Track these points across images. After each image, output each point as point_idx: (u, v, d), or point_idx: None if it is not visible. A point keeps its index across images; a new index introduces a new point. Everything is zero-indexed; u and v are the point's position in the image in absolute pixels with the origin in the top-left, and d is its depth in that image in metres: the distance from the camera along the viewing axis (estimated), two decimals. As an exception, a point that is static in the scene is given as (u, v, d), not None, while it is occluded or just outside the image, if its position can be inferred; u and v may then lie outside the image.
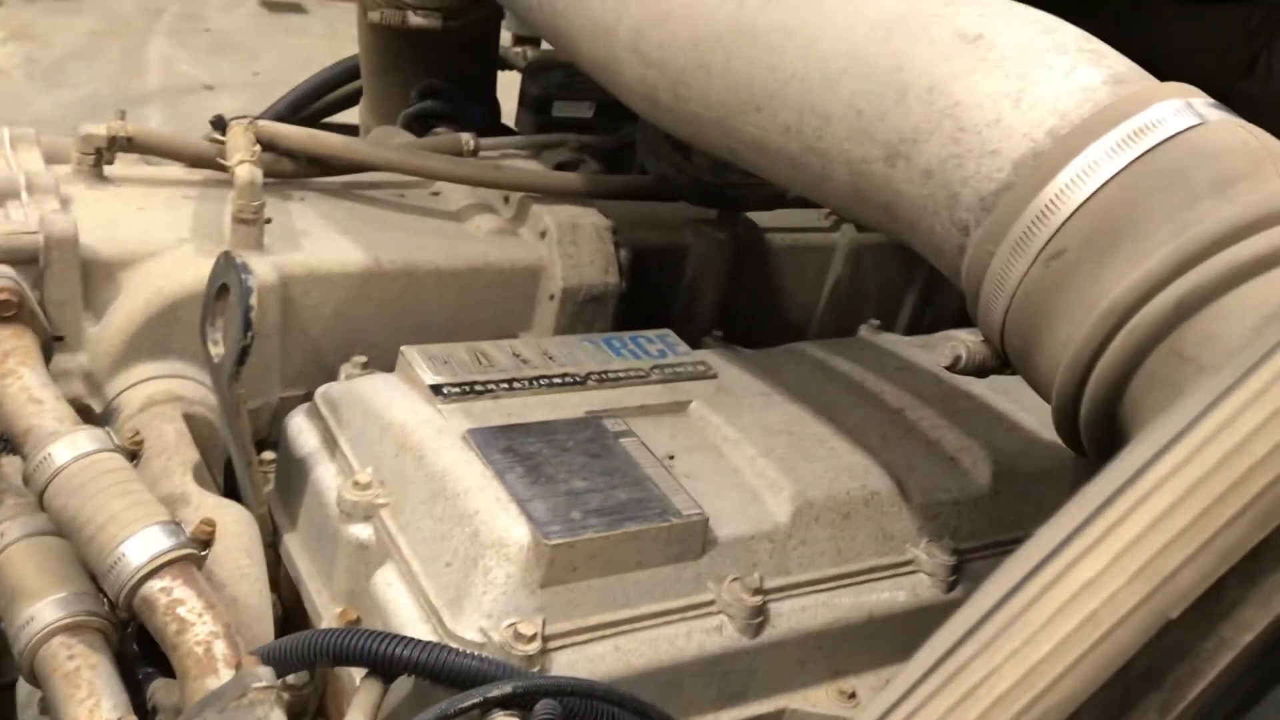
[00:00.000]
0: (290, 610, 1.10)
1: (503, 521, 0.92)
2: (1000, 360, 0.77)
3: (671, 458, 1.07)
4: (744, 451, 1.09)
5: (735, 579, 0.99)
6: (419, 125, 1.57)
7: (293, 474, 1.11)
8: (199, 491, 0.99)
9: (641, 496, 0.98)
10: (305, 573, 1.07)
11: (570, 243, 1.30)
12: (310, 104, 1.85)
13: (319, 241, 1.20)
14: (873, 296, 1.59)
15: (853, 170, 0.82)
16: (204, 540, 0.89)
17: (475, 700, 0.72)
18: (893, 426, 1.21)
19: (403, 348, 1.12)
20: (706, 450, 1.10)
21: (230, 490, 1.10)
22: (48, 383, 0.93)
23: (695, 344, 1.32)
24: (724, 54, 0.93)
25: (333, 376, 1.18)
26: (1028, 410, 1.26)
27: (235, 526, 0.98)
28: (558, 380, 1.14)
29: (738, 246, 1.46)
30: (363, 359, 1.17)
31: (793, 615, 1.01)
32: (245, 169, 1.12)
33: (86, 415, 1.07)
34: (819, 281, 1.55)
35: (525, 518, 0.92)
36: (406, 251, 1.23)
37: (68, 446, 0.87)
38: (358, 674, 0.92)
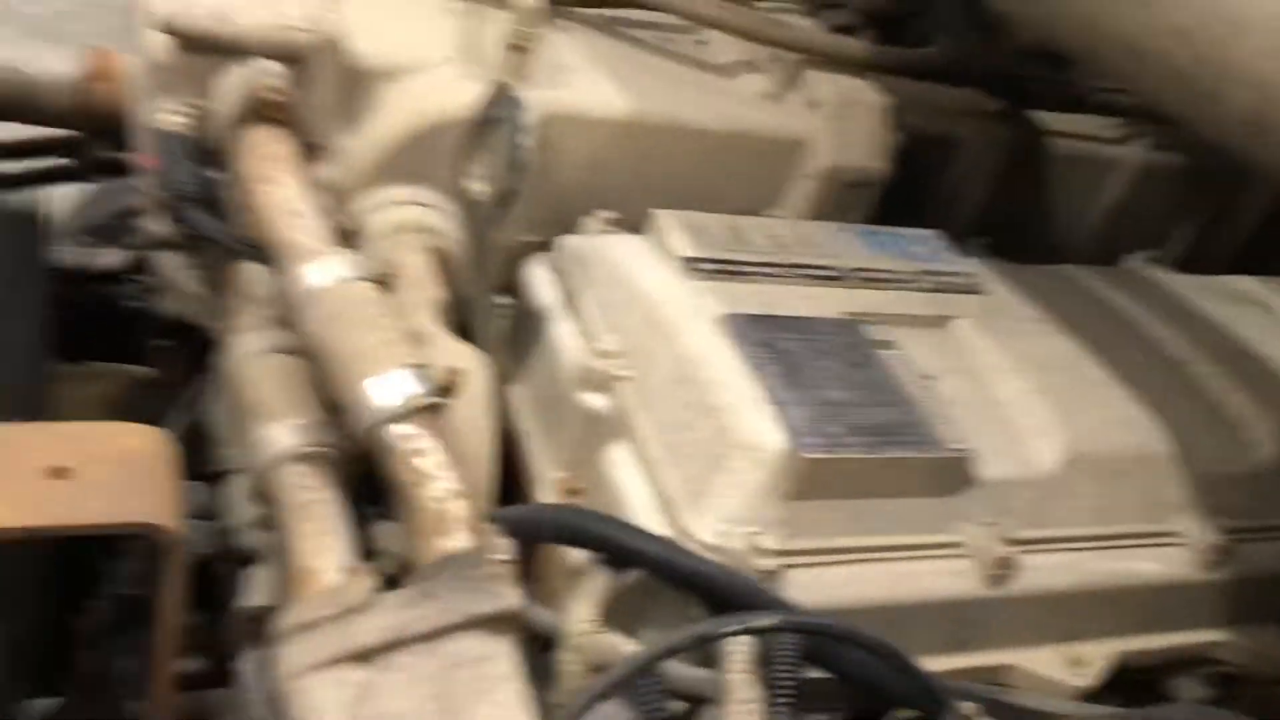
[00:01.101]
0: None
1: (756, 423, 0.85)
2: None
3: (932, 378, 0.98)
4: (1013, 384, 0.99)
5: (988, 523, 0.91)
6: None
7: (528, 323, 1.06)
8: (441, 332, 0.94)
9: (903, 419, 0.90)
10: (528, 429, 1.03)
11: (845, 119, 1.18)
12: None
13: (583, 80, 1.12)
14: (1148, 224, 1.44)
15: (1262, 94, 0.69)
16: (448, 388, 0.84)
17: (736, 628, 0.66)
18: (1175, 380, 1.09)
19: (657, 211, 1.05)
20: (970, 376, 1.01)
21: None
22: (307, 194, 0.88)
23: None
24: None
25: (572, 227, 1.11)
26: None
27: (473, 375, 0.93)
28: (817, 272, 1.05)
29: (1016, 146, 1.32)
30: (610, 214, 1.10)
31: (1040, 572, 0.93)
32: (526, -9, 1.03)
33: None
34: (1094, 198, 1.40)
35: (781, 423, 0.85)
36: (671, 104, 1.14)
37: (324, 269, 0.83)
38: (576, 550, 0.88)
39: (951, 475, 0.90)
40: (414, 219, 1.03)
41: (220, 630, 0.94)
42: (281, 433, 0.83)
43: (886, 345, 0.98)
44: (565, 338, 1.01)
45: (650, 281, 0.98)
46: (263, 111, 0.91)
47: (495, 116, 0.93)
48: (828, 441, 0.85)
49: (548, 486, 0.98)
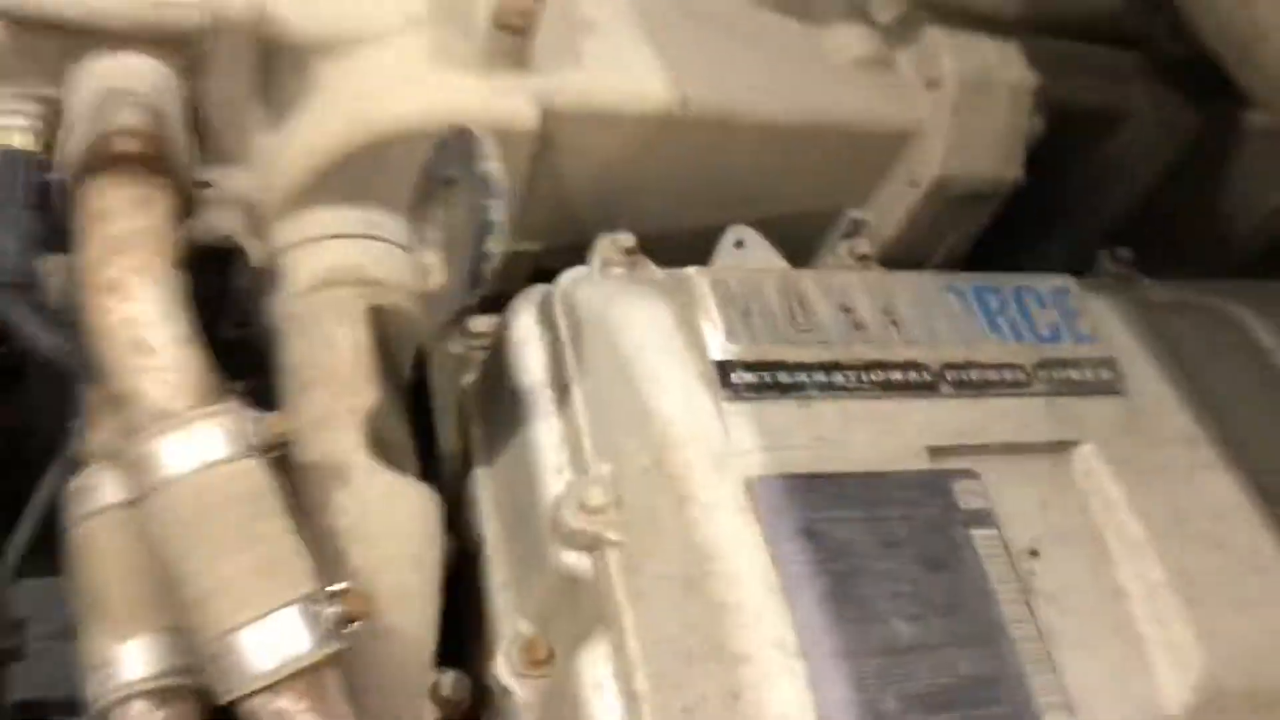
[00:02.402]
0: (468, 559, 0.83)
1: (781, 699, 0.61)
2: None
3: (1035, 554, 0.72)
4: (1146, 573, 0.73)
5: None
6: None
7: (505, 394, 0.80)
8: (367, 465, 0.69)
9: (987, 672, 0.65)
10: (491, 545, 0.79)
11: (972, 109, 0.86)
12: None
13: (607, 53, 0.80)
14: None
15: None
16: (353, 616, 0.60)
17: None
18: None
19: (692, 275, 0.76)
20: (1087, 549, 0.74)
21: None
22: (170, 311, 0.61)
23: (1090, 255, 0.92)
24: None
25: (584, 233, 0.83)
26: None
27: (408, 525, 0.70)
28: (898, 375, 0.77)
29: (1198, 128, 0.99)
30: (629, 241, 0.81)
31: None
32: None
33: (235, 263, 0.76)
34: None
35: (814, 701, 0.61)
36: (728, 88, 0.82)
37: (187, 450, 0.57)
38: None
39: (1043, 748, 0.66)
40: (350, 265, 0.75)
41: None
42: (128, 654, 0.61)
43: (982, 520, 0.71)
44: (547, 446, 0.75)
45: (667, 400, 0.71)
46: (118, 159, 0.62)
47: (450, 176, 0.64)
48: (876, 733, 0.61)
49: (508, 641, 0.75)
